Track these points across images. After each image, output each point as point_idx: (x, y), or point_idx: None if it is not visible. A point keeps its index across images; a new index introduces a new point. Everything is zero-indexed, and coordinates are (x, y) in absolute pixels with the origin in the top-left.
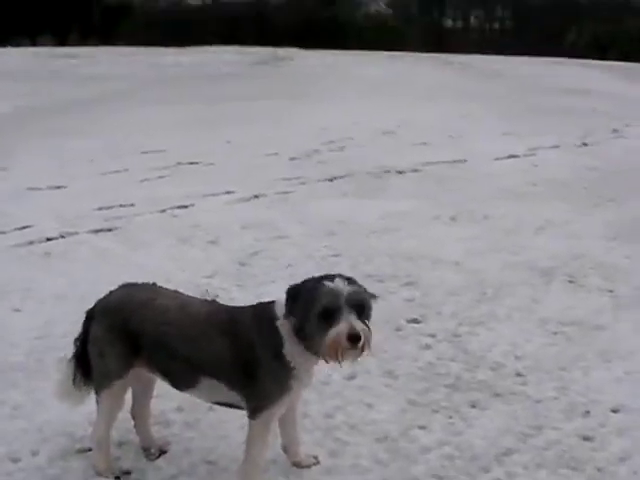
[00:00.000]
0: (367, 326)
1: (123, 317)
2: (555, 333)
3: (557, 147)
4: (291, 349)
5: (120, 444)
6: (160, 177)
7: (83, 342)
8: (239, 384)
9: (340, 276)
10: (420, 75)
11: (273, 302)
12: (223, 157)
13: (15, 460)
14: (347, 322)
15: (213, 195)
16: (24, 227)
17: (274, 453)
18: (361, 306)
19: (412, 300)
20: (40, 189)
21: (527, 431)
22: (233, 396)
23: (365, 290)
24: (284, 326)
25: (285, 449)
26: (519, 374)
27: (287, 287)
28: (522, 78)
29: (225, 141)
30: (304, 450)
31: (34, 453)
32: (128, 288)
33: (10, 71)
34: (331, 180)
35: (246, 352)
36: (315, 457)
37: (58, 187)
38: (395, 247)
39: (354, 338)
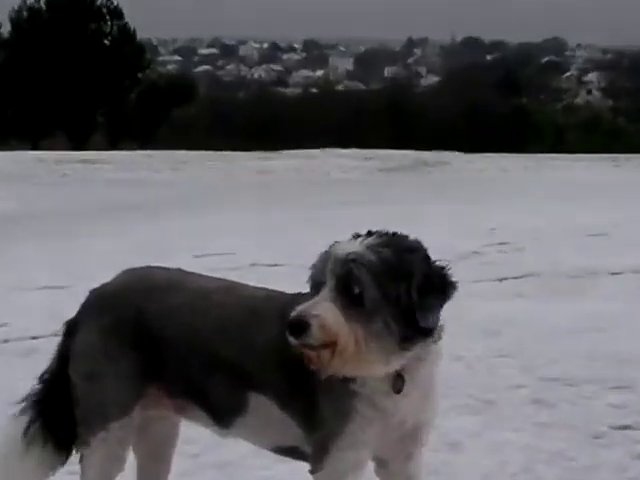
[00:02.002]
0: (364, 312)
1: (135, 309)
2: None
3: None
4: None
5: None
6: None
7: (52, 379)
8: (290, 400)
9: (374, 234)
10: None
11: None
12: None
13: None
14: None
15: None
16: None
17: None
18: (346, 279)
19: (623, 407)
20: (29, 290)
21: None
22: (291, 429)
23: (388, 255)
24: None
25: None
26: None
27: None
28: None
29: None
30: None
31: None
32: (138, 270)
33: (7, 174)
34: (500, 281)
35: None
36: None
37: (57, 287)
38: (597, 349)
39: (293, 327)
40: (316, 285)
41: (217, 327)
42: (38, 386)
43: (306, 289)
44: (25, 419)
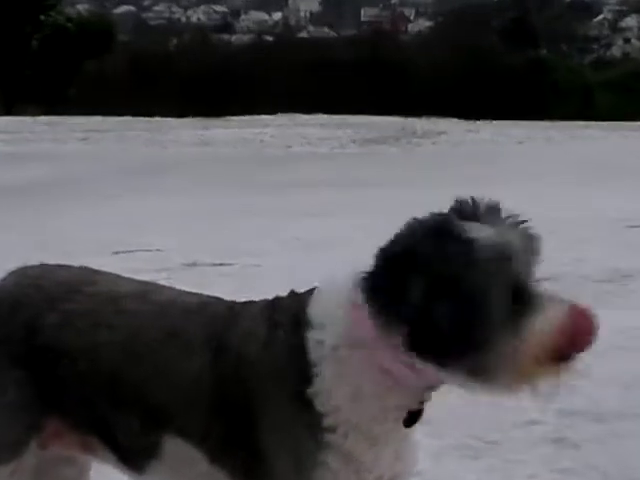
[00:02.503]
0: None
1: (25, 319)
2: None
3: None
4: (335, 384)
5: None
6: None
7: None
8: (225, 451)
9: (491, 208)
10: None
11: (311, 292)
12: (279, 258)
13: None
14: (559, 304)
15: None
16: None
17: None
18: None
19: None
20: None
21: None
22: None
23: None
24: (327, 335)
25: None
26: None
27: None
28: None
29: (291, 238)
30: None
31: None
32: (31, 270)
33: None
34: None
35: (235, 382)
36: None
37: None
38: (634, 374)
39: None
40: (522, 286)
41: (124, 344)
42: None
43: (256, 296)
44: None
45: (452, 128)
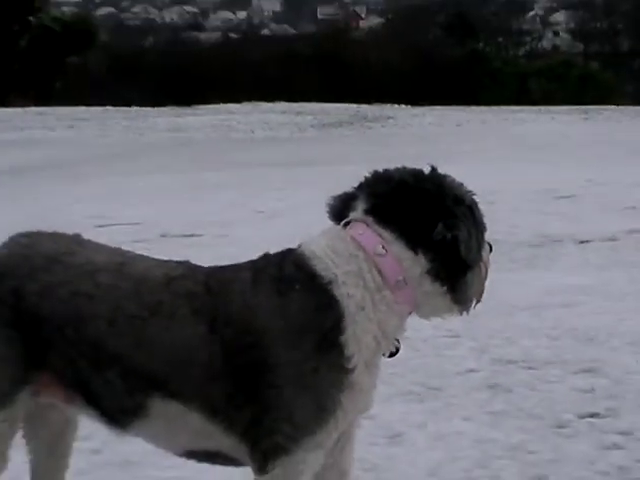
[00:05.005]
0: None
1: (13, 284)
2: None
3: None
4: (364, 327)
5: None
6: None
7: None
8: (229, 409)
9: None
10: (623, 132)
11: (291, 252)
12: (244, 228)
13: None
14: None
15: None
16: None
17: None
18: None
19: (590, 392)
20: None
21: None
22: (216, 438)
23: None
24: (353, 287)
25: None
26: None
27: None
28: None
29: (254, 210)
30: None
31: None
32: (24, 237)
33: None
34: None
35: (243, 349)
36: None
37: None
38: (561, 327)
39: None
40: None
41: (105, 316)
42: None
43: (227, 261)
44: None
45: (399, 113)
